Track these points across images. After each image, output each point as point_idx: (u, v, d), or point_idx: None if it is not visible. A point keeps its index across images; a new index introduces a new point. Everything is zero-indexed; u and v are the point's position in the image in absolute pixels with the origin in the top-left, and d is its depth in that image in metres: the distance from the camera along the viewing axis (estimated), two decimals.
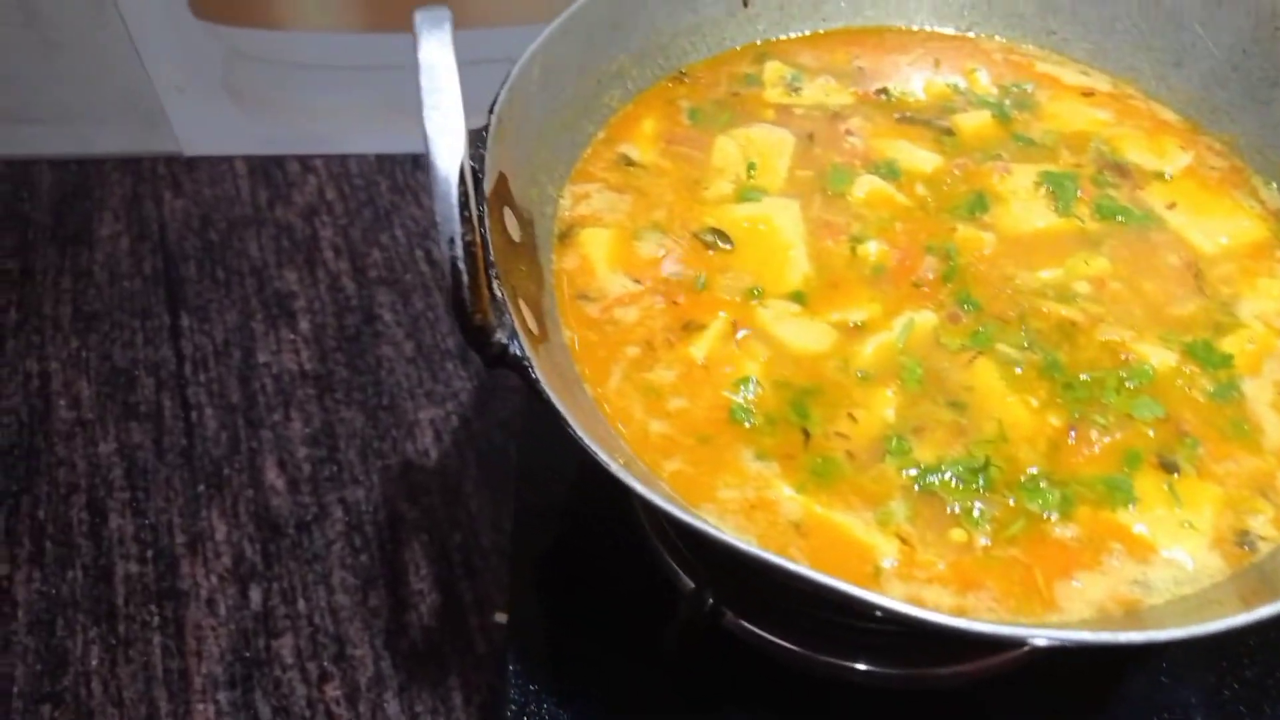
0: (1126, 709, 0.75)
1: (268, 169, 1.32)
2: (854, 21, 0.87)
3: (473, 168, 0.60)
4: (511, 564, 0.85)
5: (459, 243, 0.48)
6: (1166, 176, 0.77)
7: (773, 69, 0.85)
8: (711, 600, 0.73)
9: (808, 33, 0.88)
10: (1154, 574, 0.56)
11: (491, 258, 0.58)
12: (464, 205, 0.48)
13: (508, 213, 0.65)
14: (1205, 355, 0.66)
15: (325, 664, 0.93)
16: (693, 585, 0.74)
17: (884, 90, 0.84)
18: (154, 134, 1.32)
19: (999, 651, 0.75)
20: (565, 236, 0.72)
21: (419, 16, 0.51)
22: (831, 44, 0.87)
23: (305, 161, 1.32)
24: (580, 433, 0.51)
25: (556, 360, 0.62)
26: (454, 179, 0.48)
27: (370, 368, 1.11)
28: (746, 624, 0.76)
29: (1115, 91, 0.83)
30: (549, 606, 0.80)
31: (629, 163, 0.77)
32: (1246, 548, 0.57)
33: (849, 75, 0.84)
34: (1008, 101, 0.82)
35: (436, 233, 0.49)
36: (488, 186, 0.61)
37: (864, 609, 0.49)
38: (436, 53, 0.49)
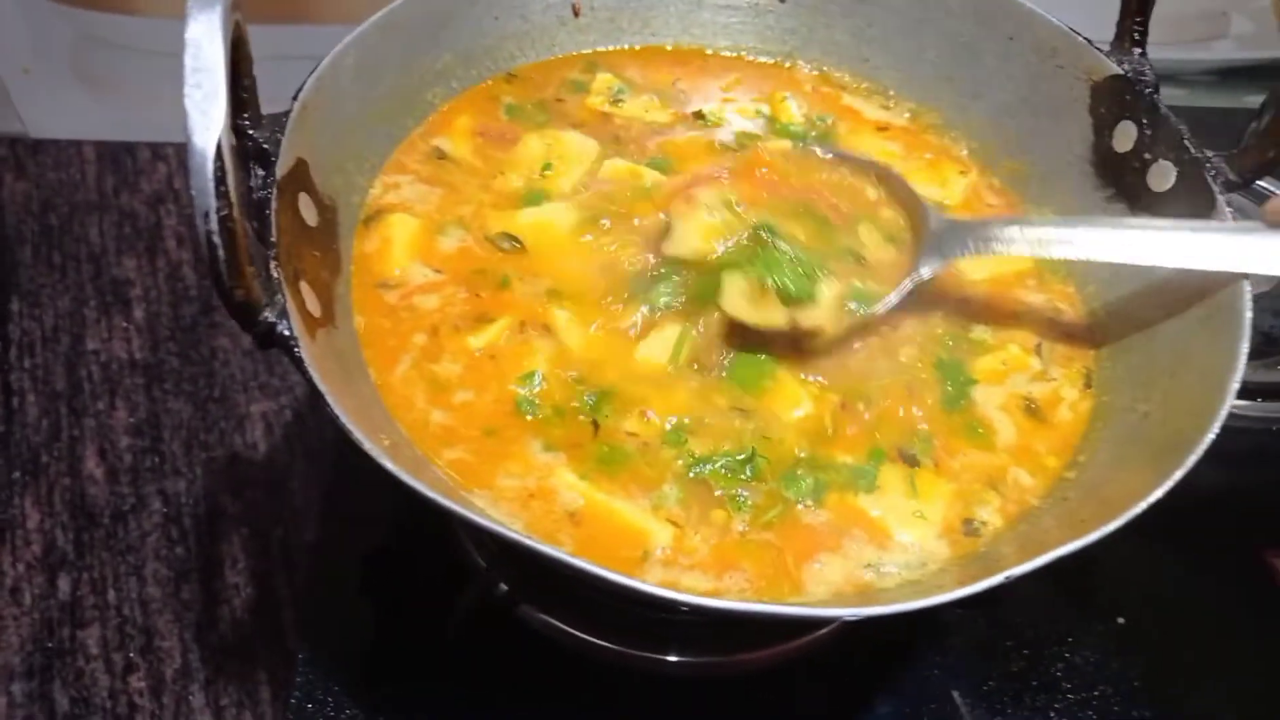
0: (908, 694, 0.79)
1: (117, 155, 1.29)
2: (681, 40, 0.90)
3: (263, 148, 0.61)
4: (314, 551, 0.85)
5: (214, 218, 0.49)
6: (946, 205, 0.83)
7: (602, 79, 0.88)
8: (506, 588, 0.74)
9: (638, 45, 0.91)
10: (887, 558, 0.60)
11: (274, 238, 0.58)
12: (220, 180, 0.49)
13: (304, 197, 0.65)
14: (953, 372, 0.71)
15: (131, 655, 0.91)
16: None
17: (700, 113, 0.87)
18: None
19: (798, 635, 0.79)
20: (370, 222, 0.73)
21: None
22: (660, 62, 0.90)
23: (157, 149, 1.30)
24: (338, 410, 0.52)
25: (339, 345, 0.63)
26: (211, 154, 0.48)
27: (204, 359, 1.10)
28: (556, 622, 0.78)
29: (909, 125, 0.88)
30: (350, 595, 0.81)
31: (441, 155, 0.78)
32: (971, 535, 0.61)
33: (670, 95, 0.88)
34: (812, 133, 0.86)
35: (193, 208, 0.49)
36: (282, 170, 0.62)
37: (617, 591, 0.51)
38: (204, 32, 0.50)
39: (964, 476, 0.65)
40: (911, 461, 0.64)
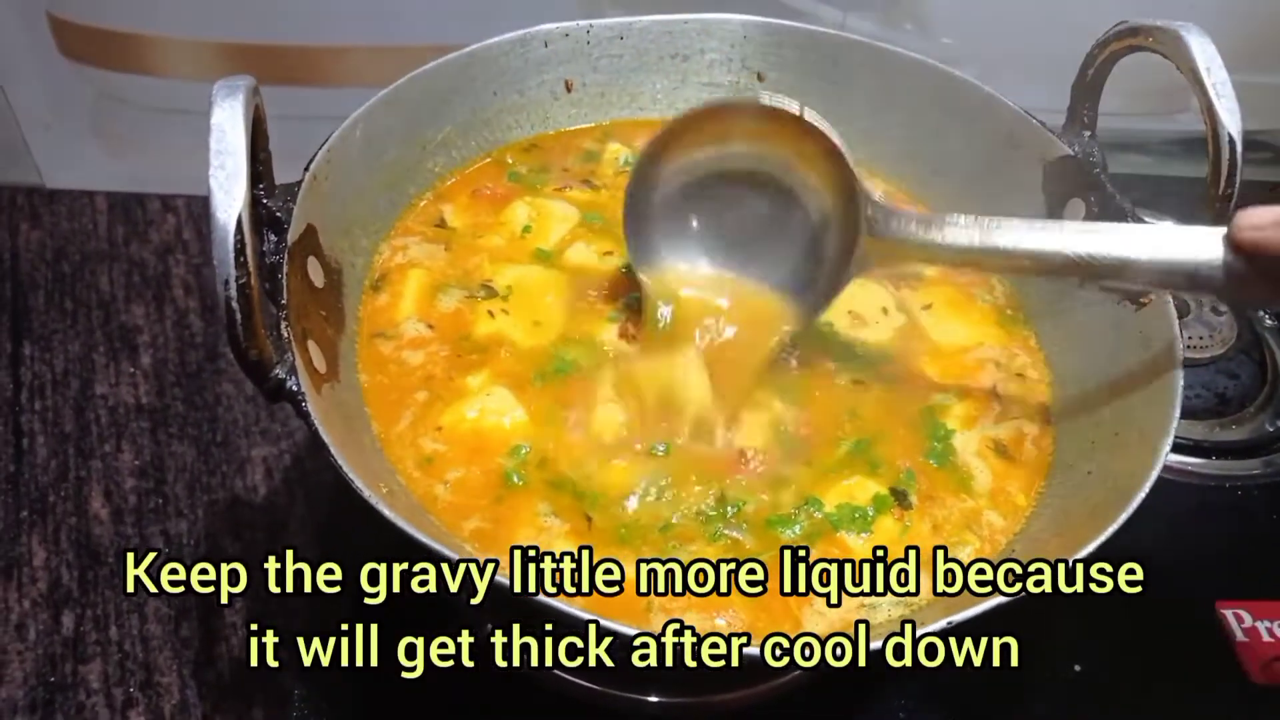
0: None
1: (128, 206, 1.35)
2: (666, 113, 0.96)
3: (276, 216, 0.67)
4: (314, 587, 0.89)
5: (234, 285, 0.54)
6: (926, 277, 0.88)
7: (612, 149, 0.93)
8: (491, 627, 0.78)
9: (634, 117, 0.97)
10: (876, 599, 0.65)
11: (284, 300, 0.64)
12: (239, 252, 0.54)
13: (312, 261, 0.71)
14: (931, 427, 0.76)
15: (131, 690, 0.94)
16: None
17: None
18: (15, 166, 1.34)
19: (772, 677, 0.83)
20: (379, 285, 0.78)
21: (218, 86, 0.57)
22: None
23: (167, 201, 1.36)
24: (340, 459, 0.57)
25: (343, 398, 0.68)
26: (232, 228, 0.54)
27: (208, 404, 1.14)
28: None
29: (893, 193, 0.94)
30: (351, 630, 0.85)
31: (441, 223, 0.84)
32: (949, 576, 0.67)
33: None
34: None
35: (214, 276, 0.54)
36: (292, 237, 0.67)
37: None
38: (228, 117, 0.56)
39: (944, 518, 0.70)
40: (904, 503, 0.70)
